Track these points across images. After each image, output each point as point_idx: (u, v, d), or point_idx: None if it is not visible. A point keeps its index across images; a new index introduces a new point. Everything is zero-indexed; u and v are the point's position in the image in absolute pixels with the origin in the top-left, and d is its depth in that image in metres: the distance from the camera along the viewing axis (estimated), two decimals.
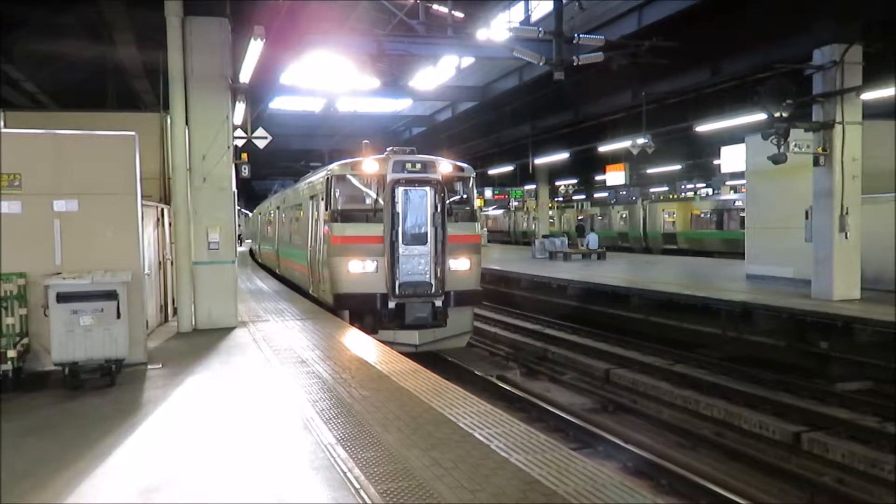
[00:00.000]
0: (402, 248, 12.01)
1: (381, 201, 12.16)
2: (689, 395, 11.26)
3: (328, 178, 12.73)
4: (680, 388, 11.62)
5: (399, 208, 11.98)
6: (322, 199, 13.06)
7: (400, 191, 12.00)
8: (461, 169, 13.01)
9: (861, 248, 13.28)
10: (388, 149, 12.84)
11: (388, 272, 11.93)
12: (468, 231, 12.82)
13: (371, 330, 11.61)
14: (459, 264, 12.42)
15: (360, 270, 12.03)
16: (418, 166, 12.22)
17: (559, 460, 4.86)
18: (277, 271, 21.44)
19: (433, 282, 12.17)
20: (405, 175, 12.07)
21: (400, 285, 11.98)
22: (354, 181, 12.50)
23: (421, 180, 12.13)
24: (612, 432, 9.63)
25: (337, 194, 12.49)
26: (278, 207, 21.64)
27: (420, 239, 12.14)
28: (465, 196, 13.12)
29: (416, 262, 12.12)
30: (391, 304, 11.95)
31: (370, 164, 12.34)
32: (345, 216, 12.32)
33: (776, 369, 11.93)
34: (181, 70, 10.41)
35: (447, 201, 12.22)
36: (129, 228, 8.08)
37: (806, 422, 9.66)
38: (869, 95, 12.85)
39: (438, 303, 12.19)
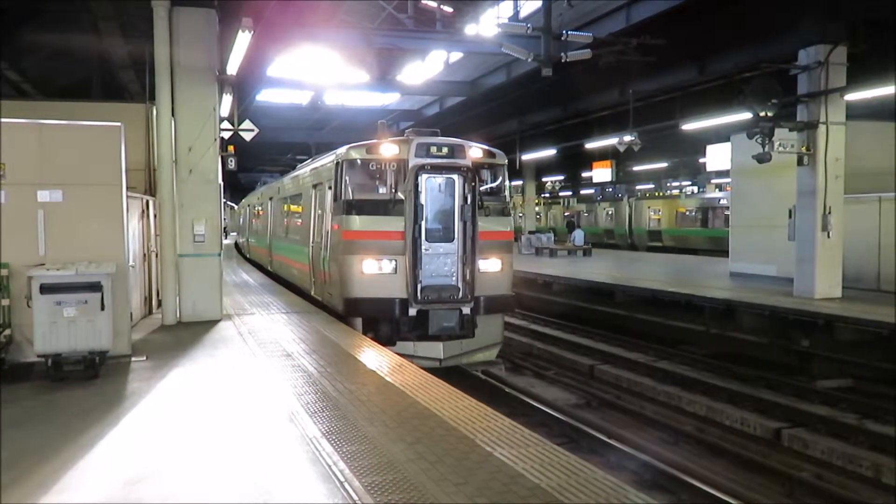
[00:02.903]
0: (425, 246, 10.54)
1: (399, 192, 10.67)
2: (673, 391, 11.35)
3: (338, 164, 11.06)
4: (663, 385, 11.72)
5: (423, 199, 10.48)
6: (330, 187, 11.50)
7: (424, 178, 10.48)
8: (493, 154, 11.35)
9: (843, 247, 13.44)
10: (408, 129, 11.38)
11: (408, 274, 10.39)
12: (500, 226, 11.20)
13: (387, 341, 10.28)
14: (490, 265, 10.89)
15: (376, 271, 10.44)
16: (445, 150, 10.61)
17: (543, 455, 4.90)
18: (269, 268, 20.00)
19: (461, 285, 10.63)
20: (430, 160, 10.49)
21: (422, 289, 10.44)
22: (370, 167, 10.90)
23: (448, 166, 10.58)
24: (596, 428, 9.70)
25: (349, 182, 10.88)
26: (271, 198, 20.12)
27: (446, 235, 10.64)
28: (496, 186, 11.54)
29: (441, 262, 10.63)
30: (412, 311, 10.41)
31: (389, 148, 10.71)
32: (358, 208, 10.66)
33: (758, 366, 12.05)
34: (168, 61, 10.34)
35: (478, 192, 10.71)
36: (114, 220, 8.03)
37: (786, 418, 9.77)
38: (853, 96, 12.98)
39: (466, 310, 10.59)
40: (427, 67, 27.14)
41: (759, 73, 12.97)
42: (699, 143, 25.01)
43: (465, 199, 10.57)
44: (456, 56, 24.16)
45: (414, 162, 10.45)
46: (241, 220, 32.77)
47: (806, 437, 9.10)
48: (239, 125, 15.54)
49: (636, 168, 38.81)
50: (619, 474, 7.96)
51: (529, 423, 9.53)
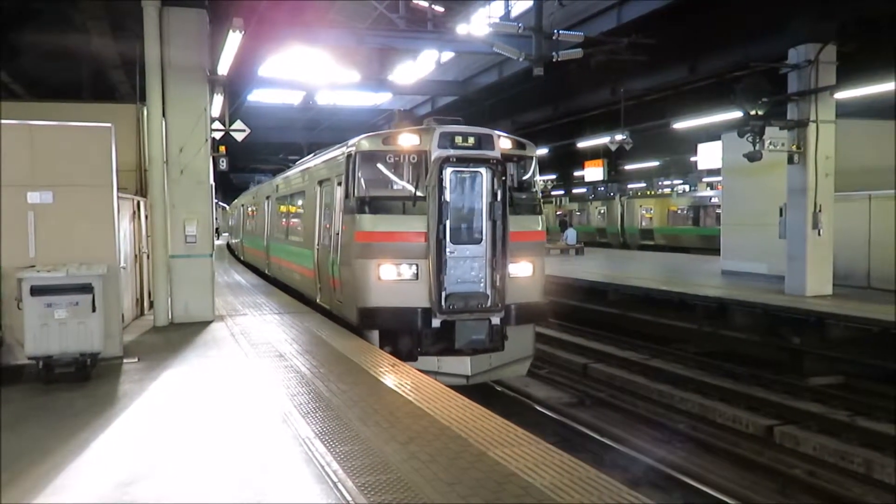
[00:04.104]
0: (449, 248, 9.40)
1: (419, 188, 9.57)
2: (665, 389, 11.39)
3: (351, 156, 9.91)
4: (656, 383, 11.75)
5: (447, 195, 9.33)
6: (340, 183, 10.43)
7: (449, 172, 9.38)
8: (522, 145, 10.29)
9: (833, 245, 13.51)
10: (428, 118, 10.38)
11: (432, 279, 9.25)
12: (531, 226, 10.13)
13: (408, 356, 9.17)
14: (520, 269, 9.82)
15: (395, 277, 9.34)
16: (471, 140, 9.54)
17: (536, 454, 4.90)
18: (266, 271, 18.64)
19: (489, 292, 9.53)
20: (455, 152, 9.41)
21: (447, 297, 9.31)
22: (387, 159, 9.76)
23: (476, 159, 9.48)
24: (589, 426, 9.73)
25: (363, 177, 9.72)
26: (268, 197, 18.94)
27: (473, 236, 9.56)
28: (526, 180, 10.46)
29: (467, 267, 9.52)
30: (435, 323, 9.31)
31: (408, 138, 9.61)
32: (373, 206, 9.56)
33: (750, 364, 12.10)
34: (158, 61, 10.29)
35: (508, 187, 9.63)
36: (105, 221, 7.99)
37: (778, 416, 9.82)
38: (842, 95, 13.06)
39: (496, 319, 9.53)
40: (419, 67, 27.15)
41: (749, 72, 13.04)
42: (690, 141, 25.14)
43: (495, 195, 9.45)
44: (447, 56, 24.19)
45: (437, 153, 9.33)
46: (235, 220, 31.84)
47: (798, 434, 9.14)
48: (230, 125, 15.48)
49: (628, 167, 38.96)
50: (613, 473, 7.99)
51: (523, 423, 9.56)
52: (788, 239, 13.70)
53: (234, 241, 32.49)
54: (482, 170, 9.50)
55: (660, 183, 48.29)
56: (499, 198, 9.43)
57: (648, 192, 46.09)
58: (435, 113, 26.19)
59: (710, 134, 20.77)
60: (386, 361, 7.95)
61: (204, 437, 5.39)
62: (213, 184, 11.99)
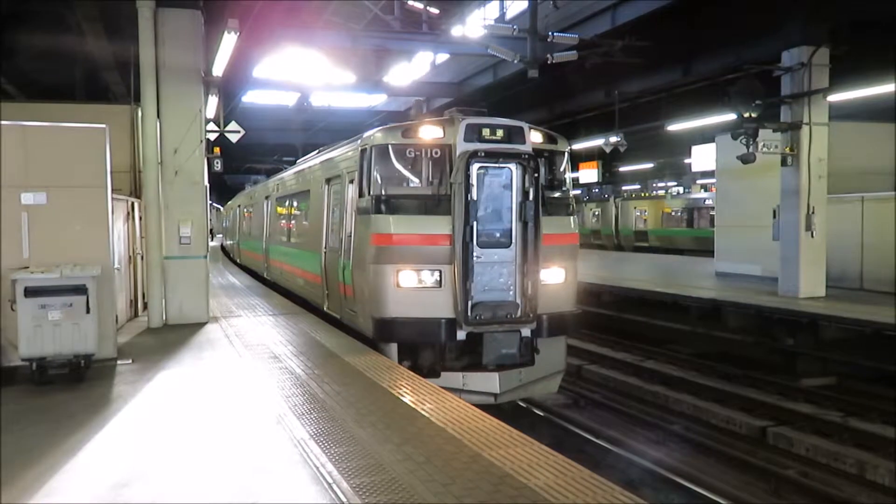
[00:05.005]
0: (477, 252, 8.56)
1: (442, 185, 8.76)
2: (659, 390, 11.42)
3: (365, 151, 9.09)
4: (650, 384, 11.78)
5: (474, 193, 8.49)
6: (352, 181, 9.61)
7: (476, 169, 8.55)
8: (553, 139, 9.49)
9: (826, 247, 13.57)
10: (450, 109, 9.55)
11: (457, 287, 8.39)
12: (564, 228, 9.27)
13: (430, 372, 8.47)
14: (552, 275, 8.99)
15: (415, 285, 8.53)
16: (500, 133, 8.78)
17: (531, 455, 4.91)
18: (265, 275, 17.76)
19: (519, 301, 8.68)
20: (483, 146, 8.60)
21: (474, 306, 8.46)
22: (406, 154, 8.87)
23: (506, 153, 8.64)
24: (583, 428, 9.75)
25: (379, 173, 8.87)
26: (267, 197, 18.07)
27: (502, 239, 8.72)
28: (558, 177, 9.60)
29: (495, 273, 8.66)
30: (460, 335, 8.49)
31: (430, 130, 8.80)
32: (392, 205, 8.72)
33: (744, 365, 12.14)
34: (153, 62, 10.27)
35: (541, 185, 8.81)
36: (99, 222, 7.96)
37: (772, 417, 9.86)
38: (835, 97, 13.13)
39: (526, 331, 8.71)
40: (414, 68, 27.17)
41: (743, 75, 13.10)
42: (684, 143, 25.20)
43: (526, 193, 8.61)
44: (442, 57, 24.23)
45: (463, 148, 8.55)
46: (230, 221, 31.34)
47: (791, 435, 9.19)
48: (225, 127, 15.47)
49: (622, 169, 39.01)
50: (607, 473, 8.01)
51: (517, 424, 9.58)
52: (782, 241, 13.76)
53: (228, 242, 32.29)
54: (512, 165, 8.67)
55: (654, 185, 48.43)
56: (531, 197, 8.59)
57: (643, 194, 46.22)
58: (429, 116, 26.18)
59: (704, 136, 20.84)
60: (381, 363, 7.95)
61: (198, 439, 5.39)
62: (208, 185, 11.97)
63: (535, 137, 9.06)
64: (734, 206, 17.34)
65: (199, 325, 10.53)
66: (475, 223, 8.43)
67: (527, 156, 8.61)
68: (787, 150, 13.28)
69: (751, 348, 12.70)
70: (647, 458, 8.61)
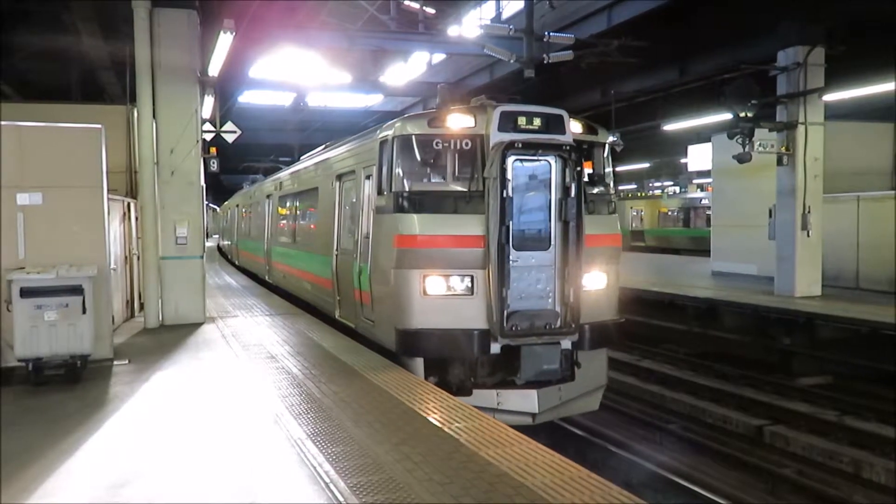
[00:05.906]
0: (513, 256, 7.61)
1: (462, 181, 7.87)
2: (656, 389, 11.43)
3: (387, 142, 8.13)
4: (647, 384, 11.80)
5: (510, 190, 7.57)
6: (369, 176, 8.77)
7: (512, 161, 7.65)
8: (593, 130, 8.62)
9: (822, 246, 13.61)
10: (480, 96, 8.49)
11: (492, 295, 7.48)
12: (606, 228, 8.40)
13: (459, 389, 7.62)
14: (594, 280, 8.09)
15: (444, 292, 7.62)
16: (537, 122, 7.84)
17: (527, 454, 4.92)
18: (267, 278, 16.94)
19: (559, 309, 7.78)
20: (521, 136, 7.66)
21: (509, 315, 7.54)
22: (433, 146, 7.83)
23: (545, 144, 7.74)
24: (580, 427, 9.75)
25: (403, 168, 7.93)
26: (269, 196, 17.24)
27: (540, 241, 7.82)
28: (599, 172, 8.68)
29: (532, 279, 7.74)
30: (495, 348, 7.58)
31: (459, 119, 7.80)
32: (417, 203, 7.78)
33: (740, 364, 12.17)
34: (148, 62, 10.26)
35: (583, 181, 7.87)
36: (95, 222, 7.95)
37: (768, 416, 9.88)
38: (831, 97, 13.16)
39: (566, 343, 7.79)
40: (410, 68, 27.17)
41: (739, 75, 13.13)
42: (681, 143, 25.26)
43: (566, 190, 7.73)
44: (439, 57, 24.23)
45: (497, 138, 7.59)
46: (228, 221, 30.62)
47: (787, 433, 9.21)
48: (221, 127, 15.43)
49: (618, 168, 39.03)
50: (604, 473, 8.02)
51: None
52: (778, 240, 13.79)
53: (225, 243, 32.04)
54: (550, 158, 7.79)
55: (650, 185, 48.50)
56: (572, 193, 7.68)
57: (639, 194, 46.27)
58: None
59: (701, 136, 20.89)
60: (379, 364, 7.94)
61: (195, 439, 5.38)
62: (204, 185, 11.95)
63: (575, 127, 8.18)
64: (730, 206, 17.38)
65: (196, 326, 10.52)
66: (510, 223, 7.56)
67: (568, 147, 7.74)
68: (783, 149, 13.32)
69: (747, 348, 12.72)
70: (643, 458, 8.62)
